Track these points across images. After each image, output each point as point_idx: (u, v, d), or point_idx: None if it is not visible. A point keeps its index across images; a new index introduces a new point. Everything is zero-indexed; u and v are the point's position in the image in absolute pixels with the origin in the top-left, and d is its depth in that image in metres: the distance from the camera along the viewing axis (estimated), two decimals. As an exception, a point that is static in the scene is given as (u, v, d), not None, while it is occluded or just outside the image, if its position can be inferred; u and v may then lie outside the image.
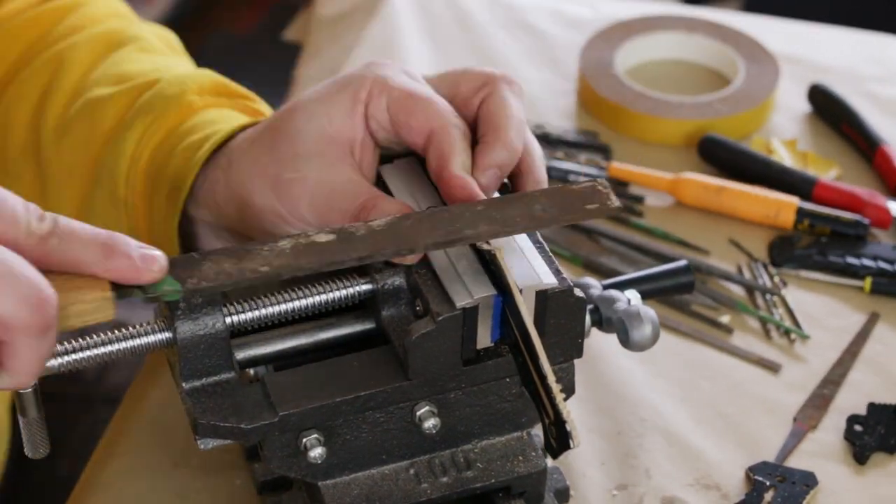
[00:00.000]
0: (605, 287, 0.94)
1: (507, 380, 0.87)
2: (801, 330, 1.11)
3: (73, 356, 0.81)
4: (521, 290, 0.83)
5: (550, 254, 0.87)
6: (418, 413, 0.86)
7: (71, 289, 0.76)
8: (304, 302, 0.85)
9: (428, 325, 0.83)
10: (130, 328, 0.82)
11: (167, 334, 0.82)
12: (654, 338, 0.89)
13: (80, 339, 0.82)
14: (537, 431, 0.91)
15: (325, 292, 0.86)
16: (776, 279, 1.15)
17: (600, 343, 1.08)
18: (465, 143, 0.88)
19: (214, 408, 0.82)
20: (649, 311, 0.89)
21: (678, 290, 0.98)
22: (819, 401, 1.05)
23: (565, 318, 0.85)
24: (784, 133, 1.31)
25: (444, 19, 1.45)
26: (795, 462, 1.01)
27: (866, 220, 1.18)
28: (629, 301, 0.91)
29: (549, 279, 0.84)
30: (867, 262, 1.15)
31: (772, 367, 1.08)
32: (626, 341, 0.90)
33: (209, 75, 1.02)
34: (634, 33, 1.38)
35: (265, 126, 0.93)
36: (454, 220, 0.83)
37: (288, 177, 0.90)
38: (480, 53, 1.41)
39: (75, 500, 0.99)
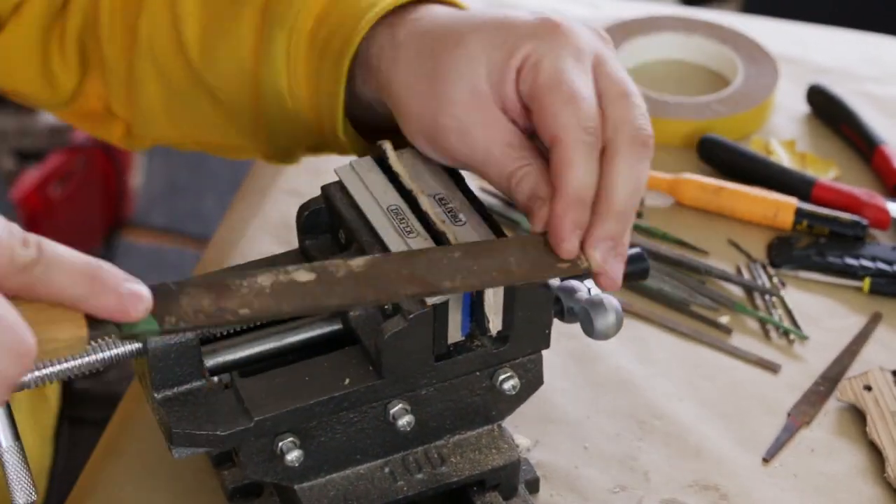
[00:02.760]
0: (564, 278, 0.95)
1: (478, 373, 0.88)
2: (799, 330, 1.11)
3: (42, 371, 0.79)
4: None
5: None
6: (392, 411, 0.86)
7: (44, 322, 0.71)
8: None
9: (400, 324, 0.83)
10: (100, 340, 0.81)
11: (137, 345, 0.82)
12: (618, 325, 0.89)
13: None
14: (507, 423, 0.92)
15: None
16: (775, 280, 1.15)
17: (599, 345, 1.08)
18: (585, 163, 0.83)
19: (189, 416, 0.82)
20: (612, 299, 0.89)
21: (634, 278, 0.99)
22: (814, 397, 1.06)
23: (533, 310, 0.86)
24: (783, 133, 1.31)
25: (444, 20, 1.45)
26: (785, 457, 1.01)
27: (865, 221, 1.18)
28: (589, 290, 0.92)
29: None
30: (866, 262, 1.16)
31: (771, 368, 1.08)
32: (590, 331, 0.89)
33: None
34: (634, 33, 1.38)
35: (428, 44, 0.89)
36: (432, 268, 0.82)
37: (447, 123, 0.87)
38: (480, 54, 1.40)
39: (75, 500, 0.99)
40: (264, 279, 0.79)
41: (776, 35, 1.42)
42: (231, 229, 1.21)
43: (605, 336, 0.89)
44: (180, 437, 0.82)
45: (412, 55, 0.90)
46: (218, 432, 0.82)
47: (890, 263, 1.15)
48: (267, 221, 1.20)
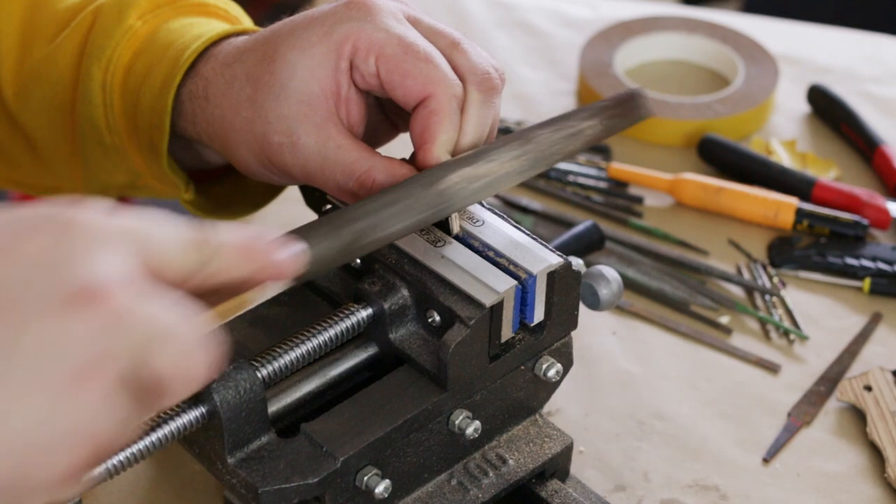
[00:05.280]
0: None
1: (522, 367, 0.88)
2: (800, 331, 1.11)
3: (115, 458, 0.76)
4: (535, 277, 0.84)
5: (536, 238, 0.87)
6: (457, 422, 0.85)
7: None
8: (319, 339, 0.83)
9: (461, 332, 0.82)
10: (162, 413, 0.77)
11: (202, 409, 0.78)
12: (620, 293, 0.89)
13: None
14: (547, 409, 0.91)
15: (333, 325, 0.84)
16: (775, 280, 1.15)
17: (599, 345, 1.08)
18: (456, 115, 0.85)
19: (272, 472, 0.79)
20: (610, 269, 0.89)
21: (591, 249, 0.99)
22: (814, 398, 1.06)
23: (566, 292, 0.86)
24: (783, 133, 1.31)
25: (444, 20, 1.45)
26: (785, 457, 1.01)
27: (865, 221, 1.18)
28: (582, 265, 0.92)
29: (554, 258, 0.85)
30: (866, 262, 1.15)
31: (771, 368, 1.08)
32: (595, 303, 0.89)
33: None
34: (634, 33, 1.38)
35: (245, 71, 0.87)
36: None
37: (277, 140, 0.86)
38: (480, 54, 1.41)
39: (75, 500, 0.99)
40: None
41: (776, 35, 1.42)
42: (231, 229, 1.21)
43: (610, 305, 0.89)
44: (270, 495, 0.78)
45: (222, 88, 0.88)
46: (309, 481, 0.79)
47: (890, 263, 1.15)
48: (267, 222, 1.20)
